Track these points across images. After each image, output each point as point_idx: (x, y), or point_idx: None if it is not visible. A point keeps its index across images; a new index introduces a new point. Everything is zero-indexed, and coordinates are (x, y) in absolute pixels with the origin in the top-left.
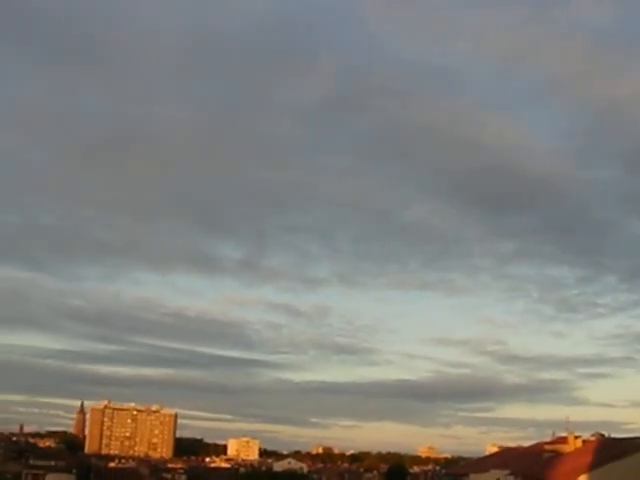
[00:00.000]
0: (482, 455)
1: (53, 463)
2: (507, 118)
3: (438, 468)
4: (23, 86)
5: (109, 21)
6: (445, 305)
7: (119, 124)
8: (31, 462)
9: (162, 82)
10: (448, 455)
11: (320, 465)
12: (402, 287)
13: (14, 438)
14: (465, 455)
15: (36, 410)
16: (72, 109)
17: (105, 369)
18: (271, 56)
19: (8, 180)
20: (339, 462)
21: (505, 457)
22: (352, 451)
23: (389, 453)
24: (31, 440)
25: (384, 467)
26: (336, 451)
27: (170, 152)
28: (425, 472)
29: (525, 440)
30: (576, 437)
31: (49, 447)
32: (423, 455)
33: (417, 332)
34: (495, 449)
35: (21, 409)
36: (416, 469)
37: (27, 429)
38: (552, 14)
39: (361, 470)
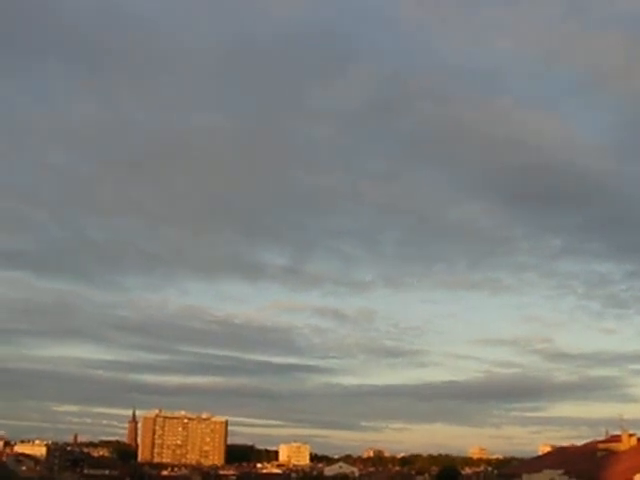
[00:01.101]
0: (534, 455)
1: (107, 472)
2: (549, 115)
3: (490, 469)
4: (72, 102)
5: (150, 37)
6: (492, 304)
7: (164, 136)
8: (85, 471)
9: (204, 93)
10: (500, 456)
11: (371, 469)
12: (448, 287)
13: (69, 448)
14: (517, 455)
15: (89, 420)
16: (118, 123)
17: (154, 378)
18: (310, 63)
19: (57, 195)
20: (390, 465)
21: (558, 457)
22: (403, 454)
23: (440, 455)
24: (85, 450)
25: (435, 469)
26: (387, 454)
27: (214, 161)
28: (477, 473)
29: (578, 439)
30: (630, 435)
31: (103, 456)
32: (474, 456)
33: (465, 333)
34: (547, 449)
35: (75, 419)
36: (467, 471)
37: (81, 439)
38: (590, 9)
39: (412, 473)
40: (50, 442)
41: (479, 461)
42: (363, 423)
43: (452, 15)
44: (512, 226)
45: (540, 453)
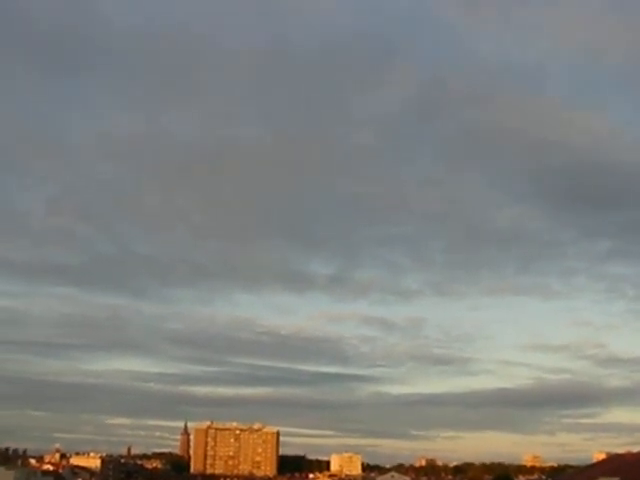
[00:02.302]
0: (589, 462)
1: None
2: (593, 113)
3: (544, 477)
4: (118, 117)
5: (193, 52)
6: (541, 310)
7: (209, 149)
8: None
9: (247, 104)
10: (554, 463)
11: (423, 478)
12: (496, 294)
13: (122, 460)
14: (571, 463)
15: (142, 432)
16: (164, 137)
17: (205, 390)
18: (350, 69)
19: (105, 210)
20: (443, 474)
21: (613, 464)
22: (455, 462)
23: (493, 463)
24: (139, 462)
25: (488, 478)
26: (439, 463)
27: (258, 172)
28: None
29: (634, 446)
30: None
31: (156, 468)
32: (528, 464)
33: (514, 339)
34: (602, 456)
35: (128, 432)
36: (522, 479)
37: (134, 451)
38: (630, 1)
39: None
40: (104, 454)
41: (533, 469)
42: (414, 432)
43: (492, 14)
44: (560, 229)
45: (595, 460)
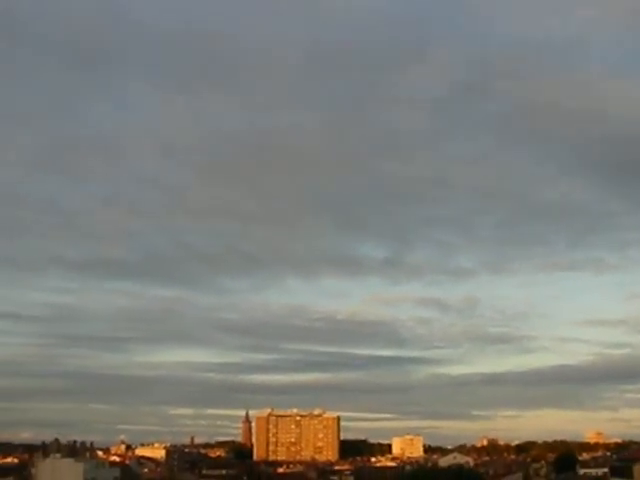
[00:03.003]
0: None
1: (224, 472)
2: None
3: (609, 454)
4: (163, 113)
5: (231, 41)
6: (596, 284)
7: (253, 138)
8: (204, 471)
9: (289, 92)
10: (618, 439)
11: (486, 458)
12: (550, 269)
13: (186, 449)
14: (636, 439)
15: (204, 422)
16: (208, 128)
17: (264, 378)
18: (390, 52)
19: (155, 204)
20: (505, 454)
21: None
22: (517, 441)
23: (555, 441)
24: (202, 451)
25: (551, 456)
26: (501, 442)
27: (305, 158)
28: (595, 459)
29: None
30: None
31: (219, 456)
32: (591, 441)
33: (570, 315)
34: None
35: (190, 422)
36: (585, 456)
37: (197, 440)
38: None
39: (528, 460)
40: (168, 445)
41: (596, 446)
42: (474, 412)
43: None
44: (611, 201)
45: None
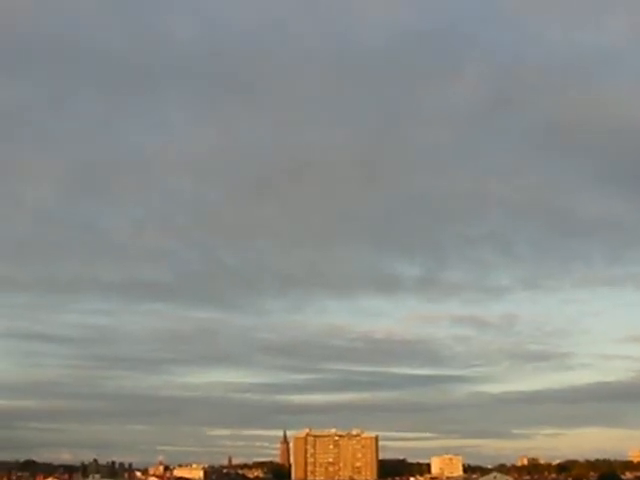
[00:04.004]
0: None
1: None
2: None
3: None
4: (194, 132)
5: (258, 58)
6: (636, 300)
7: (285, 156)
8: None
9: (320, 109)
10: None
11: (526, 477)
12: (589, 285)
13: (225, 470)
14: None
15: (242, 443)
16: (240, 147)
17: (301, 398)
18: (424, 65)
19: (188, 224)
20: (546, 473)
21: None
22: (558, 460)
23: (597, 460)
24: (240, 471)
25: (594, 475)
26: (542, 461)
27: (338, 175)
28: (638, 477)
29: None
30: None
31: (257, 477)
32: (634, 460)
33: (611, 331)
34: None
35: (228, 442)
36: (628, 475)
37: (235, 461)
38: None
39: (569, 479)
40: (206, 465)
41: None
42: (514, 430)
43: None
44: None
45: None
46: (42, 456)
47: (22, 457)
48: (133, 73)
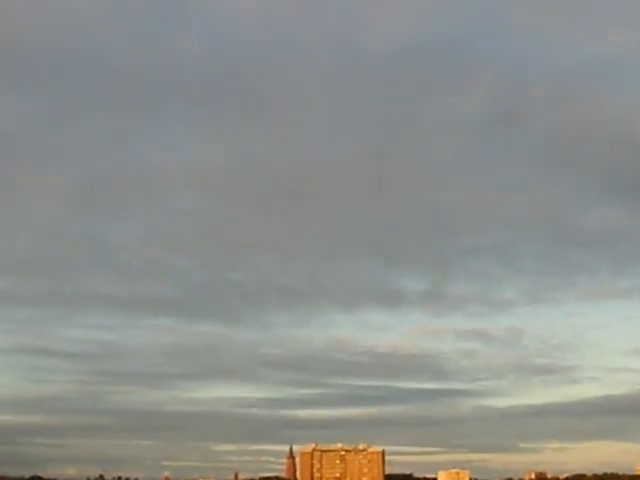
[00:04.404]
0: None
1: None
2: None
3: None
4: (196, 146)
5: (265, 73)
6: None
7: (288, 170)
8: None
9: (325, 125)
10: None
11: None
12: (595, 298)
13: None
14: None
15: (248, 458)
16: (243, 163)
17: (307, 412)
18: (422, 81)
19: (193, 239)
20: None
21: None
22: (566, 474)
23: (606, 474)
24: None
25: None
26: (549, 476)
27: (340, 191)
28: None
29: None
30: None
31: None
32: None
33: (617, 344)
34: None
35: (234, 458)
36: None
37: (241, 476)
38: None
39: None
40: None
41: None
42: (521, 445)
43: (563, 14)
44: None
45: None
46: (48, 472)
47: (28, 473)
48: (136, 90)
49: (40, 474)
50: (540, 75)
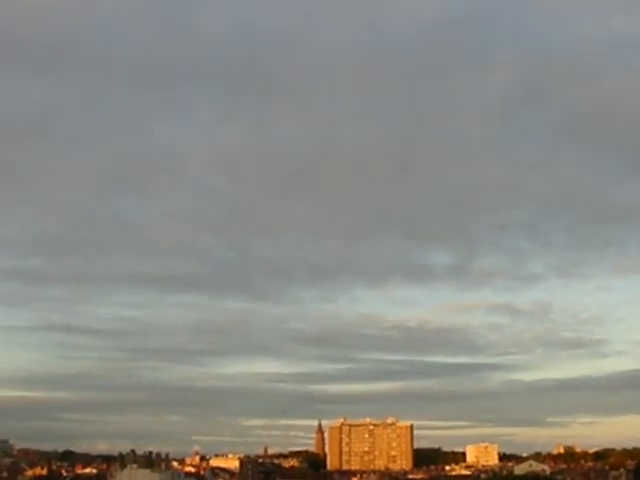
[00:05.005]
0: None
1: None
2: None
3: None
4: (229, 128)
5: (288, 54)
6: None
7: (317, 152)
8: None
9: (350, 103)
10: None
11: (562, 465)
12: (623, 272)
13: (260, 460)
14: None
15: (277, 432)
16: (272, 144)
17: (336, 387)
18: (449, 59)
19: (220, 218)
20: (582, 461)
21: None
22: (595, 449)
23: (635, 448)
24: (275, 461)
25: (631, 463)
26: (578, 450)
27: (368, 167)
28: None
29: None
30: None
31: (293, 467)
32: None
33: None
34: None
35: (263, 432)
36: None
37: (271, 451)
38: None
39: (606, 468)
40: (242, 455)
41: None
42: (549, 419)
43: None
44: None
45: None
46: (80, 447)
47: (61, 447)
48: (165, 73)
49: (72, 449)
50: (569, 50)
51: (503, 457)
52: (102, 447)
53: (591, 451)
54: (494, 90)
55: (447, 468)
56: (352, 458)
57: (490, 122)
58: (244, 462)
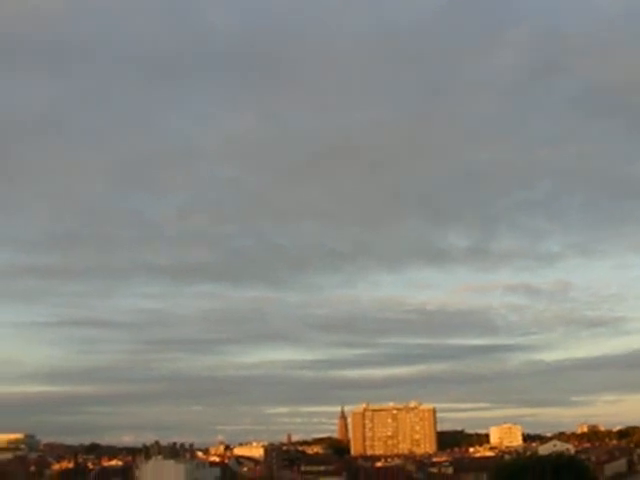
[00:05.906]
0: None
1: (323, 468)
2: None
3: None
4: (244, 117)
5: (298, 40)
6: None
7: (332, 137)
8: (303, 468)
9: (362, 87)
10: None
11: (587, 444)
12: None
13: (284, 447)
14: None
15: (300, 419)
16: (282, 130)
17: (357, 373)
18: (462, 35)
19: (237, 207)
20: (606, 439)
21: None
22: (619, 426)
23: None
24: (299, 448)
25: None
26: (602, 428)
27: (382, 151)
28: None
29: None
30: None
31: (317, 453)
32: None
33: None
34: None
35: (287, 420)
36: None
37: (294, 438)
38: None
39: (631, 446)
40: (266, 443)
41: None
42: (573, 398)
43: None
44: None
45: None
46: (105, 439)
47: (87, 441)
48: (179, 66)
49: (98, 441)
50: (583, 24)
51: (527, 438)
52: (127, 439)
53: (615, 429)
54: (509, 66)
55: (471, 450)
56: (375, 443)
57: (505, 99)
58: (268, 450)
